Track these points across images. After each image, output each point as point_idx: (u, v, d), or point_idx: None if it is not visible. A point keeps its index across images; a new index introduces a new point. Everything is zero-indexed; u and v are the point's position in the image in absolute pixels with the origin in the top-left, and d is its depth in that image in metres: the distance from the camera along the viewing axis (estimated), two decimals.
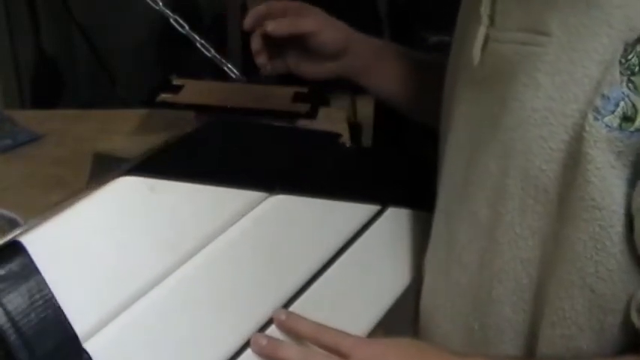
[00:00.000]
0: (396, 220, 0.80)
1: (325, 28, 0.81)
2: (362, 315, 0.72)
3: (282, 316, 0.63)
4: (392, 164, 0.82)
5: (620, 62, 0.52)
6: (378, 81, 0.83)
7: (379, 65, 0.84)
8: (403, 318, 0.76)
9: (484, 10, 0.63)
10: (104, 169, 1.13)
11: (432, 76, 0.75)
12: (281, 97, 1.25)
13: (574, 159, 0.54)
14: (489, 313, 0.63)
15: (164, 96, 1.23)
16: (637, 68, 0.51)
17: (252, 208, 0.66)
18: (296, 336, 0.63)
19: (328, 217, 0.73)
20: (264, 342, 0.61)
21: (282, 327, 0.63)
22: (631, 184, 0.53)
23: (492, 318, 0.63)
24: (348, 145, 0.81)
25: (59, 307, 0.51)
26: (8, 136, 1.22)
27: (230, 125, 0.73)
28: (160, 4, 1.44)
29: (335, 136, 0.79)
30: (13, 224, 0.91)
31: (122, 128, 1.27)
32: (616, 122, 0.52)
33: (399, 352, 0.61)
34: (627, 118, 0.51)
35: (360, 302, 0.73)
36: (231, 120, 0.75)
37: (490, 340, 0.64)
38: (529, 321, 0.61)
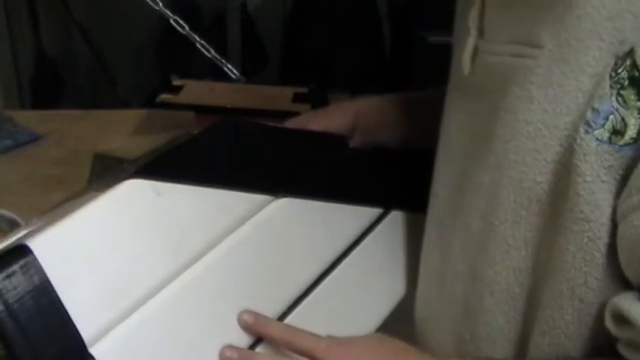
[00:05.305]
0: (399, 223, 0.80)
1: (331, 124, 0.81)
2: (365, 318, 0.73)
3: (250, 319, 0.61)
4: (395, 166, 0.82)
5: (611, 76, 0.51)
6: (389, 135, 0.82)
7: (386, 122, 0.83)
8: (405, 321, 0.76)
9: (472, 23, 0.62)
10: (104, 169, 1.13)
11: (433, 109, 0.74)
12: (281, 97, 1.25)
13: (567, 171, 0.54)
14: (481, 323, 0.63)
15: (164, 96, 1.23)
16: (626, 82, 0.51)
17: (257, 212, 0.66)
18: (266, 340, 0.62)
19: (332, 220, 0.73)
20: (235, 356, 0.59)
21: (251, 330, 0.61)
22: (619, 198, 0.52)
23: (484, 328, 0.62)
24: (351, 147, 0.81)
25: (66, 312, 0.51)
26: (9, 137, 1.22)
27: (234, 127, 0.73)
28: (160, 4, 1.44)
29: (339, 138, 0.79)
30: (13, 224, 0.91)
31: (122, 128, 1.27)
32: (606, 136, 0.51)
33: (373, 355, 0.61)
34: (616, 132, 0.51)
35: (363, 305, 0.73)
36: (235, 121, 0.75)
37: (482, 350, 0.63)
38: (521, 329, 0.61)
